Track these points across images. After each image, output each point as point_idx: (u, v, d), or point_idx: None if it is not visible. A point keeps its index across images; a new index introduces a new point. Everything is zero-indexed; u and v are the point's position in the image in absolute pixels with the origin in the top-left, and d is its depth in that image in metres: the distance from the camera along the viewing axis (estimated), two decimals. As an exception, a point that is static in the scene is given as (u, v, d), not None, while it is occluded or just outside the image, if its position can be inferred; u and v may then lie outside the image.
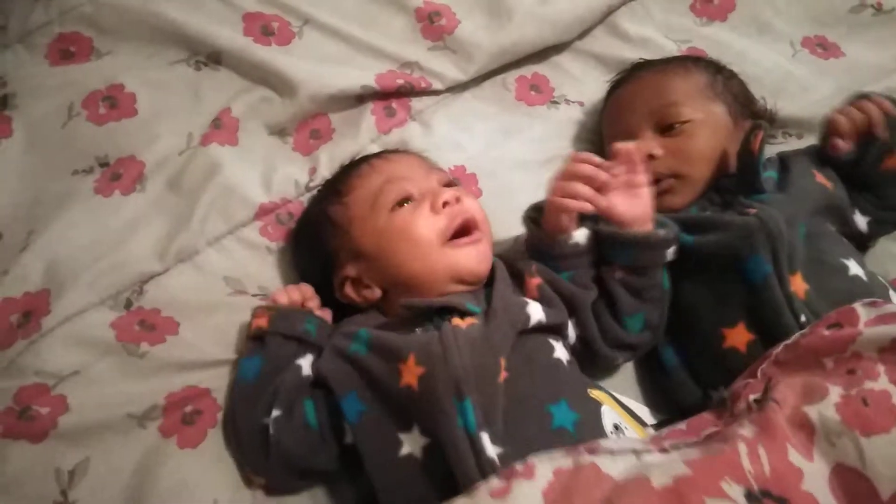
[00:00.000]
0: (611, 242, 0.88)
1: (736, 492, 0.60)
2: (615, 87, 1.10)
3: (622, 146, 0.88)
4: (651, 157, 0.97)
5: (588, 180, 0.86)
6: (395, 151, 1.00)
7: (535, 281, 0.88)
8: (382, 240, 0.87)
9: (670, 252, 0.88)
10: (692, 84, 1.02)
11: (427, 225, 0.86)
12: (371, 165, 0.94)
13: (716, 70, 1.06)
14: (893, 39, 1.23)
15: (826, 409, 0.64)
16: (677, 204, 0.97)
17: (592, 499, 0.60)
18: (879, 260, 0.99)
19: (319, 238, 0.93)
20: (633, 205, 0.87)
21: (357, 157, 1.00)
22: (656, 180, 0.97)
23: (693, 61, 1.08)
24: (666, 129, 0.99)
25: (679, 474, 0.62)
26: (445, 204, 0.88)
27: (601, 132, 1.12)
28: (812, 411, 0.64)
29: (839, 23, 1.26)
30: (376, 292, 0.89)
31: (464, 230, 0.88)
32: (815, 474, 0.62)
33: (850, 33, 1.25)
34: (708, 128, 0.98)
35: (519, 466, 0.64)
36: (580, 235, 0.89)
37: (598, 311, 0.89)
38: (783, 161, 0.99)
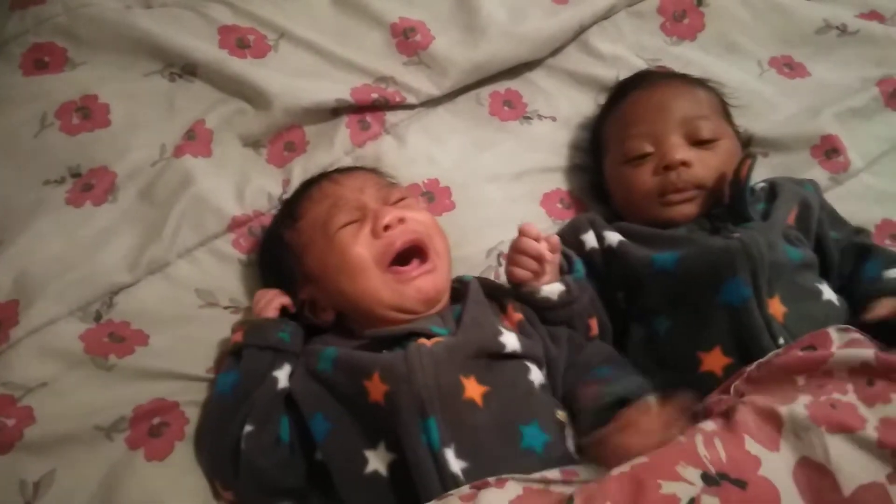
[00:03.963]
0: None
1: (692, 474, 0.62)
2: (631, 89, 1.08)
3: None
4: (685, 164, 0.97)
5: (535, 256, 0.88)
6: (350, 170, 0.99)
7: (517, 316, 0.89)
8: (326, 265, 0.88)
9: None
10: (715, 102, 1.05)
11: (364, 249, 0.85)
12: (321, 189, 0.94)
13: (719, 94, 1.08)
14: (857, 60, 1.26)
15: (796, 407, 0.66)
16: (692, 214, 0.98)
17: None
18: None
19: (278, 261, 0.93)
20: None
21: (311, 178, 1.00)
22: (683, 188, 0.97)
23: (702, 81, 1.10)
24: (698, 140, 0.99)
25: (636, 462, 0.64)
26: (387, 227, 0.86)
27: (598, 132, 1.11)
28: (782, 408, 0.66)
29: (805, 43, 1.29)
30: (330, 314, 0.90)
31: (414, 253, 0.87)
32: (776, 463, 0.63)
33: (815, 54, 1.28)
34: (729, 147, 1.00)
35: (492, 480, 0.66)
36: (549, 290, 0.88)
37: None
38: (773, 189, 1.00)
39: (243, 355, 0.84)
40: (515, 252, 0.90)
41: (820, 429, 0.64)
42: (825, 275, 0.95)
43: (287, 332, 0.87)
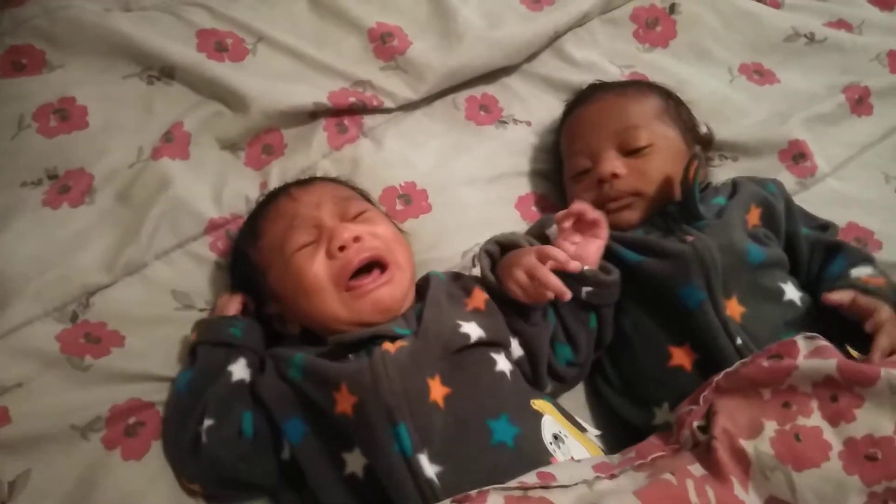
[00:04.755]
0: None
1: None
2: (575, 106, 1.13)
3: (584, 209, 0.91)
4: (615, 175, 1.00)
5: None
6: (309, 182, 0.99)
7: (483, 296, 0.89)
8: (286, 286, 0.88)
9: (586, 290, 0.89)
10: (650, 108, 1.06)
11: (320, 271, 0.85)
12: (278, 208, 0.93)
13: (667, 96, 1.10)
14: (825, 67, 1.29)
15: (761, 444, 0.68)
16: (634, 220, 1.00)
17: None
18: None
19: (245, 275, 0.94)
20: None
21: (271, 192, 1.00)
22: (617, 198, 1.00)
23: (647, 86, 1.12)
24: (629, 150, 1.01)
25: None
26: (342, 248, 0.86)
27: (557, 149, 1.14)
28: (749, 446, 0.68)
29: (775, 51, 1.32)
30: (296, 328, 0.91)
31: (375, 263, 0.87)
32: None
33: (784, 61, 1.31)
34: (667, 150, 1.02)
35: (473, 493, 0.66)
36: None
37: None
38: (734, 187, 1.02)
39: (198, 353, 0.86)
40: (525, 271, 0.85)
41: (786, 467, 0.66)
42: (796, 272, 0.97)
43: (239, 327, 0.88)
